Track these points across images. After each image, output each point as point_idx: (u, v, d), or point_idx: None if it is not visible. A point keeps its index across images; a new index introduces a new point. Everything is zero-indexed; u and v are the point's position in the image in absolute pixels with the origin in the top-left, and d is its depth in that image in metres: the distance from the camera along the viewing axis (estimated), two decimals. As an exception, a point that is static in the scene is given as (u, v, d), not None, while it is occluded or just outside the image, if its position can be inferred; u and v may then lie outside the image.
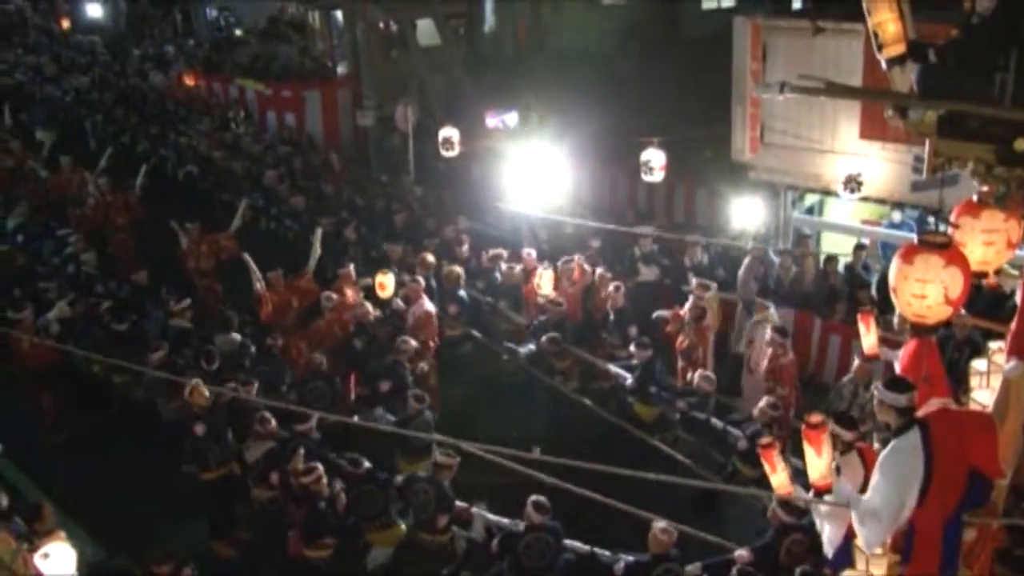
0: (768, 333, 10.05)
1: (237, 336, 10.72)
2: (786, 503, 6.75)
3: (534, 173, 13.12)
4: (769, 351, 9.95)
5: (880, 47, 5.28)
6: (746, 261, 11.98)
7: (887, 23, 5.22)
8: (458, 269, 11.95)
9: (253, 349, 10.69)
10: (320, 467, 8.07)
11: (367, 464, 8.37)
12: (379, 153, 20.15)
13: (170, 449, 9.22)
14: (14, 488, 9.17)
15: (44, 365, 10.83)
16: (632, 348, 10.32)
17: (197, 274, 13.21)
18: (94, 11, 32.72)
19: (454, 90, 20.38)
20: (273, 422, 8.75)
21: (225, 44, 24.69)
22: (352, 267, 12.08)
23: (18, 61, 27.48)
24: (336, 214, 14.83)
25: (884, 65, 5.34)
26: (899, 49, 5.23)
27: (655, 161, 11.47)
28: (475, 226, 14.20)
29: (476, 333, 11.79)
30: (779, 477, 6.13)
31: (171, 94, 23.20)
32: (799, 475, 6.21)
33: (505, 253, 12.81)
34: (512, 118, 17.75)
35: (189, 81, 23.70)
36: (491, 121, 17.89)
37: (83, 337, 11.05)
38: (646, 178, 11.68)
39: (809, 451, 5.25)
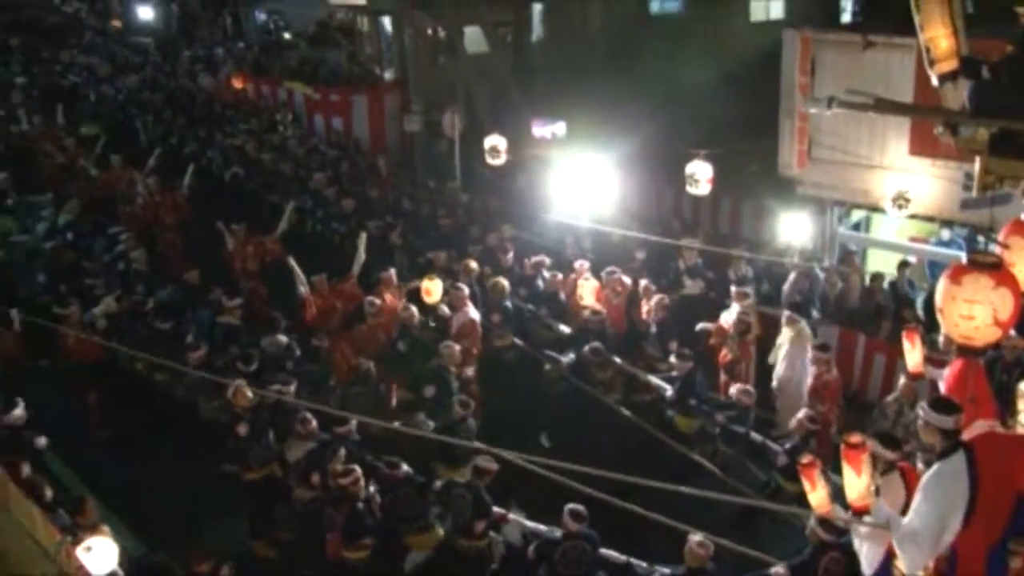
0: (798, 348, 9.97)
1: (283, 338, 10.84)
2: (825, 521, 6.69)
3: (580, 183, 13.13)
4: (812, 368, 9.87)
5: (932, 63, 5.25)
6: (791, 276, 11.90)
7: (939, 38, 5.19)
8: (503, 281, 11.96)
9: (298, 352, 10.81)
10: (358, 469, 8.14)
11: (406, 467, 8.42)
12: (425, 159, 20.26)
13: (212, 448, 9.35)
14: (58, 481, 9.36)
15: (90, 361, 11.06)
16: (672, 360, 10.29)
17: (242, 275, 13.38)
18: (145, 14, 33.34)
19: (501, 98, 20.43)
20: (314, 423, 8.82)
21: (274, 47, 24.99)
22: (393, 271, 12.16)
23: (73, 62, 28.05)
24: (382, 218, 14.94)
25: (935, 81, 5.28)
26: (951, 65, 5.20)
27: (701, 173, 11.44)
28: (520, 234, 14.21)
29: (519, 342, 11.79)
30: (818, 495, 6.09)
31: (219, 96, 23.56)
32: (839, 493, 6.15)
33: (548, 260, 12.84)
34: (560, 127, 17.75)
35: (237, 83, 24.05)
36: (538, 130, 17.90)
37: (127, 334, 11.30)
38: (692, 191, 11.66)
39: (848, 471, 5.19)
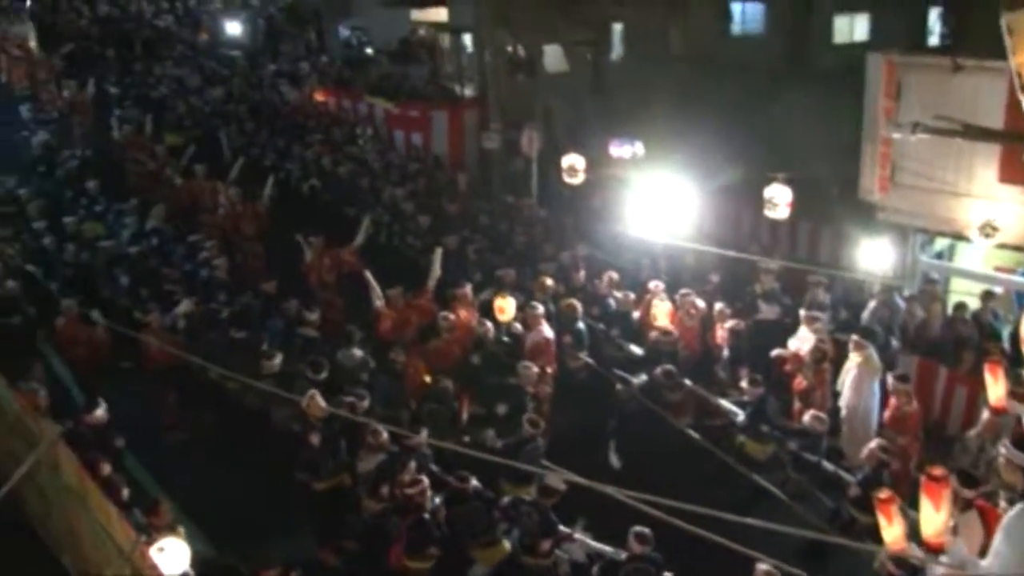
0: (866, 374, 9.74)
1: (358, 351, 10.98)
2: (898, 558, 6.51)
3: (657, 203, 13.06)
4: (892, 400, 9.64)
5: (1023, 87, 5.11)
6: (871, 304, 11.65)
7: None
8: (575, 302, 11.95)
9: (372, 364, 10.92)
10: (425, 480, 8.20)
11: (475, 482, 8.44)
12: (502, 176, 20.37)
13: (285, 456, 9.48)
14: (134, 481, 9.58)
15: (169, 364, 11.32)
16: (744, 385, 10.16)
17: (319, 287, 13.57)
18: (233, 29, 34.24)
19: (579, 117, 20.44)
20: (385, 435, 8.89)
21: (357, 63, 25.42)
22: (469, 287, 12.22)
23: (164, 74, 28.93)
24: (459, 233, 15.06)
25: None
26: None
27: (780, 197, 11.30)
28: (595, 254, 14.19)
29: (591, 361, 11.74)
30: (893, 531, 5.93)
31: (302, 109, 24.02)
32: (913, 528, 5.99)
33: (616, 276, 12.80)
34: (638, 147, 17.70)
35: (320, 97, 24.51)
36: (615, 149, 17.86)
37: (203, 341, 11.61)
38: (770, 214, 11.52)
39: (927, 505, 5.05)
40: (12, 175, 19.35)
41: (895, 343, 11.51)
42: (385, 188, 17.77)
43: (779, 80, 20.91)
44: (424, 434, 8.94)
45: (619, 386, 11.25)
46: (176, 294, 12.73)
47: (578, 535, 8.44)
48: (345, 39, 27.98)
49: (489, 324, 11.34)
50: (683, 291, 12.01)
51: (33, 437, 7.66)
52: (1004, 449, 4.77)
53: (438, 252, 12.73)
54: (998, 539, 4.59)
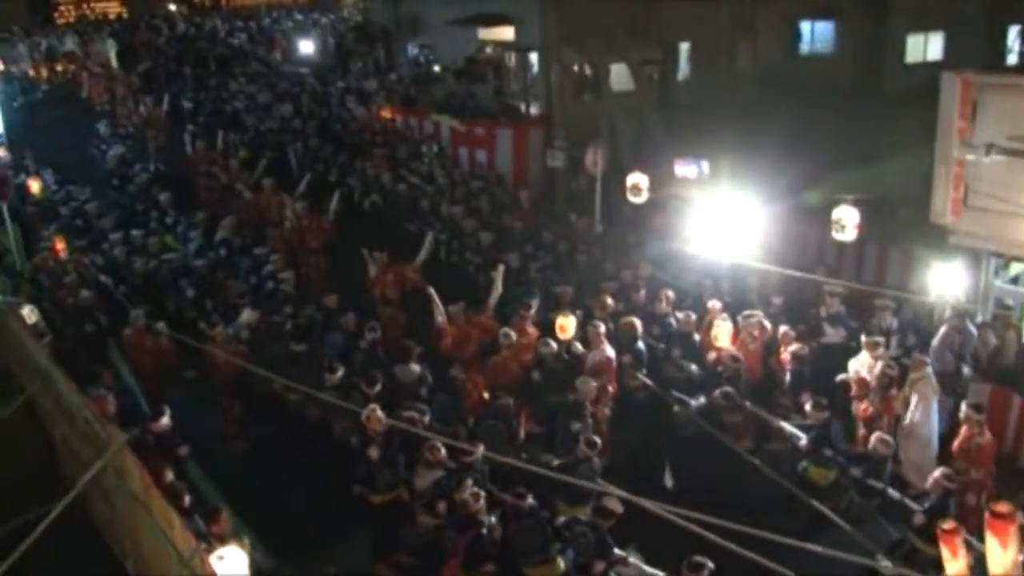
0: (924, 393, 9.50)
1: (416, 367, 11.06)
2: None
3: (721, 223, 12.93)
4: (964, 429, 9.38)
5: None
6: (942, 330, 11.35)
7: None
8: (635, 321, 11.87)
9: (431, 379, 10.96)
10: (483, 495, 8.20)
11: (531, 500, 8.41)
12: (566, 194, 20.37)
13: (344, 468, 9.55)
14: (196, 489, 9.74)
15: (233, 374, 11.52)
16: (808, 408, 9.98)
17: (382, 302, 13.68)
18: (306, 47, 34.95)
19: (644, 136, 20.36)
20: (443, 451, 8.90)
21: (423, 80, 25.66)
22: (534, 308, 12.22)
23: (240, 90, 29.60)
24: (520, 251, 15.09)
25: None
26: None
27: (848, 219, 11.13)
28: (657, 274, 14.09)
29: (649, 382, 11.64)
30: (957, 565, 5.75)
31: (368, 126, 24.35)
32: (980, 561, 5.79)
33: (672, 295, 12.72)
34: (704, 166, 17.57)
35: (386, 114, 24.81)
36: (680, 168, 17.74)
37: (265, 353, 11.81)
38: (838, 236, 11.35)
39: (992, 541, 4.88)
40: (88, 187, 19.98)
41: (966, 370, 11.21)
42: (443, 205, 17.90)
43: (849, 100, 20.64)
44: (480, 450, 8.92)
45: (676, 407, 11.12)
46: (240, 307, 12.93)
47: (632, 559, 8.35)
48: (413, 57, 28.29)
49: (552, 343, 11.32)
50: (746, 313, 11.84)
51: (101, 443, 7.83)
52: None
53: (500, 270, 12.75)
54: None
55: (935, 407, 9.97)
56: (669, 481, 10.41)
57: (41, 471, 9.39)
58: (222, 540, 7.28)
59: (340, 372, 10.89)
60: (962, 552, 5.67)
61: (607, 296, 12.54)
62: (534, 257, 14.78)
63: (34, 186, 18.80)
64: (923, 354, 10.89)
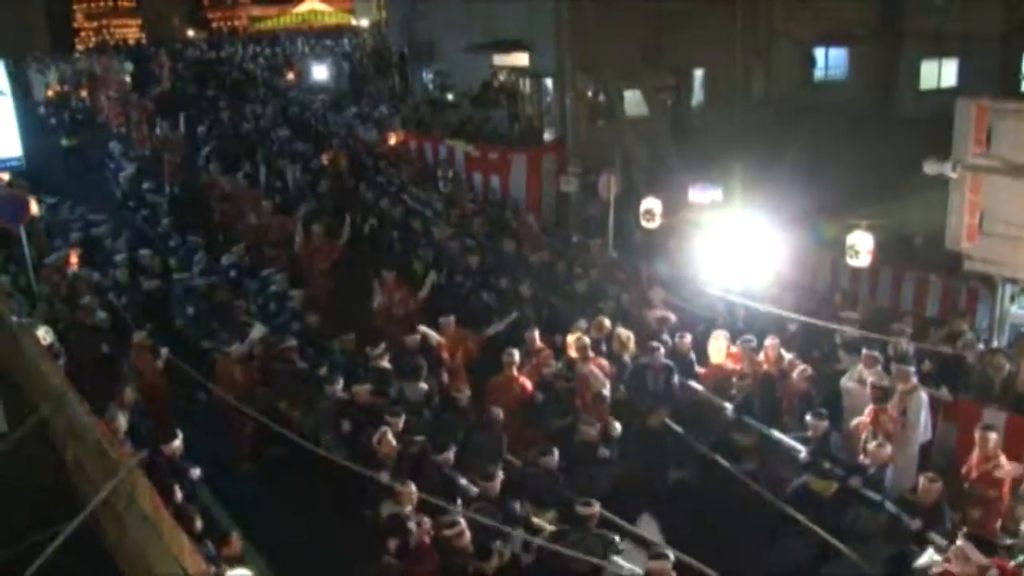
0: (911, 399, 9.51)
1: (424, 385, 11.14)
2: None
3: (735, 249, 12.91)
4: (976, 453, 9.32)
5: None
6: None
7: None
8: (625, 332, 11.91)
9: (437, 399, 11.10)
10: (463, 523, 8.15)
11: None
12: (580, 220, 20.39)
13: (354, 491, 9.50)
14: (207, 512, 9.72)
15: (246, 393, 11.56)
16: (808, 419, 10.02)
17: (387, 325, 13.87)
18: (319, 73, 35.23)
19: (658, 161, 20.41)
20: (412, 488, 8.63)
21: (438, 106, 25.82)
22: (536, 333, 12.27)
23: (248, 112, 30.13)
24: (512, 273, 15.24)
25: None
26: None
27: (862, 245, 11.09)
28: (670, 299, 14.07)
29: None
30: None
31: (373, 151, 24.53)
32: None
33: (673, 318, 12.82)
34: (716, 193, 17.59)
35: (394, 140, 24.94)
36: (695, 194, 17.76)
37: (270, 371, 12.04)
38: (852, 262, 11.30)
39: None
40: (103, 210, 20.26)
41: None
42: (435, 228, 18.11)
43: (863, 125, 20.65)
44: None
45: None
46: (248, 325, 13.06)
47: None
48: (427, 83, 28.48)
49: (553, 363, 11.48)
50: (744, 338, 11.85)
51: (113, 465, 7.83)
52: None
53: (497, 326, 12.90)
54: None
55: (924, 418, 10.05)
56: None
57: (53, 492, 9.40)
58: (232, 563, 7.27)
59: (339, 384, 10.97)
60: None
61: (604, 318, 12.57)
62: (523, 277, 14.96)
63: (34, 207, 18.85)
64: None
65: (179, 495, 8.61)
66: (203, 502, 9.99)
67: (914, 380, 10.22)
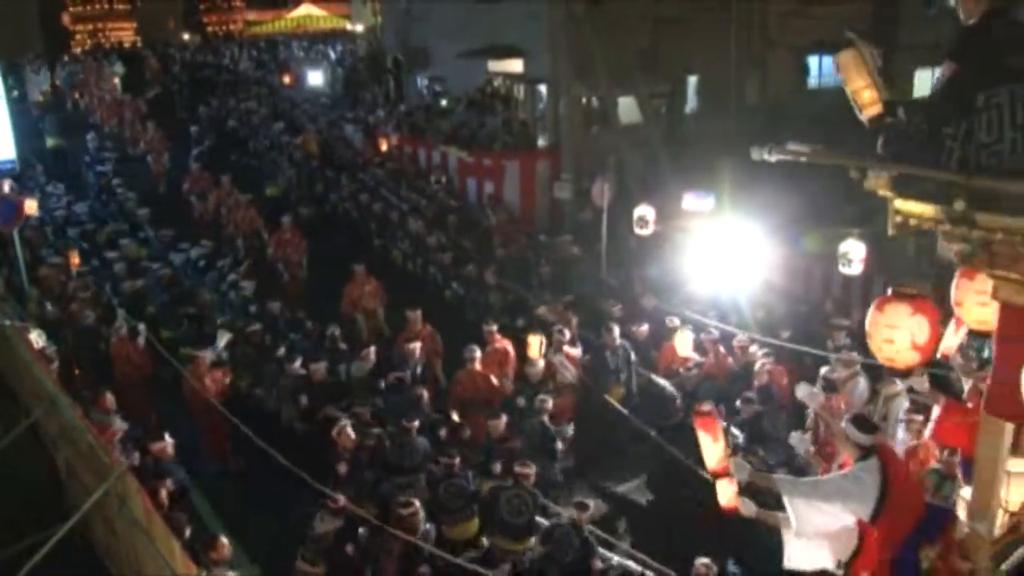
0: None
1: (368, 365, 11.77)
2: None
3: (727, 256, 12.94)
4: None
5: (860, 109, 6.08)
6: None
7: (862, 90, 6.03)
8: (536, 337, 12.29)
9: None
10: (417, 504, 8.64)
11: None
12: (573, 226, 20.40)
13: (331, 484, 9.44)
14: (196, 515, 9.69)
15: (220, 394, 11.60)
16: (738, 404, 10.28)
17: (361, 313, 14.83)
18: (315, 78, 35.21)
19: (652, 168, 20.42)
20: (342, 500, 8.61)
21: (432, 111, 25.82)
22: (495, 327, 12.73)
23: (236, 107, 30.75)
24: (478, 263, 16.53)
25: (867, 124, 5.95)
26: (876, 110, 5.94)
27: (855, 253, 11.13)
28: (661, 305, 14.11)
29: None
30: (716, 447, 5.92)
31: (362, 152, 25.09)
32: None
33: (619, 307, 13.57)
34: (709, 201, 17.64)
35: (384, 143, 25.12)
36: (689, 201, 17.79)
37: (238, 358, 12.59)
38: (844, 270, 11.34)
39: (705, 438, 5.72)
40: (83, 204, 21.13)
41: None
42: (410, 221, 19.13)
43: (858, 133, 20.67)
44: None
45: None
46: (206, 312, 14.13)
47: (616, 558, 8.56)
48: (422, 89, 28.44)
49: (541, 365, 11.76)
50: (708, 331, 12.38)
51: (104, 469, 7.83)
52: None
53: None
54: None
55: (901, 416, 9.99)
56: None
57: (44, 496, 9.39)
58: (221, 567, 7.27)
59: (298, 362, 11.68)
60: (721, 435, 5.91)
61: (568, 311, 13.29)
62: (487, 264, 16.21)
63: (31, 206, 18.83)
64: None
65: (164, 496, 8.63)
66: (192, 506, 9.97)
67: (898, 385, 10.09)
